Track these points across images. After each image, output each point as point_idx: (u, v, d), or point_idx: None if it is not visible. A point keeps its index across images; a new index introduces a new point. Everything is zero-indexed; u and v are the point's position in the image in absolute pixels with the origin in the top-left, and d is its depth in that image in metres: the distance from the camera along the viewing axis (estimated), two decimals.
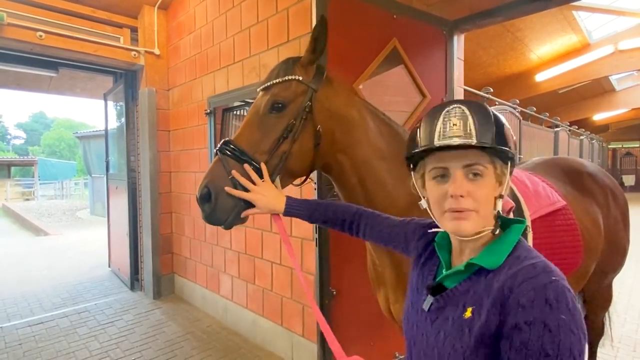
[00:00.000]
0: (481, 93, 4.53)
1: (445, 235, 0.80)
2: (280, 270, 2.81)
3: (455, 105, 0.70)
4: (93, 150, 13.18)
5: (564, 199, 1.62)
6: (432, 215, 0.76)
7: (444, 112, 0.70)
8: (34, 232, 9.79)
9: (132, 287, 4.46)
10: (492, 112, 0.70)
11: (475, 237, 0.69)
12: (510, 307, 0.60)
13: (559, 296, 0.58)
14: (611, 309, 2.17)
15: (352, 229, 1.13)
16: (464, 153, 0.68)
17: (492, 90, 4.67)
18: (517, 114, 5.47)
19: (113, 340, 3.19)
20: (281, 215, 1.17)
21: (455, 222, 0.68)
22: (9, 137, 46.95)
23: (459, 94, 2.86)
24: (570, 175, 1.85)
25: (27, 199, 20.21)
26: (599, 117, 14.45)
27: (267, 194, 1.12)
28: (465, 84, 3.29)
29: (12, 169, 26.41)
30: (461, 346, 0.65)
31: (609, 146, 19.28)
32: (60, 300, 4.20)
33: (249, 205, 1.14)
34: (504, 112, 5.04)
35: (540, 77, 8.94)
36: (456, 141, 0.66)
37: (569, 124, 9.75)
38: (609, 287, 2.06)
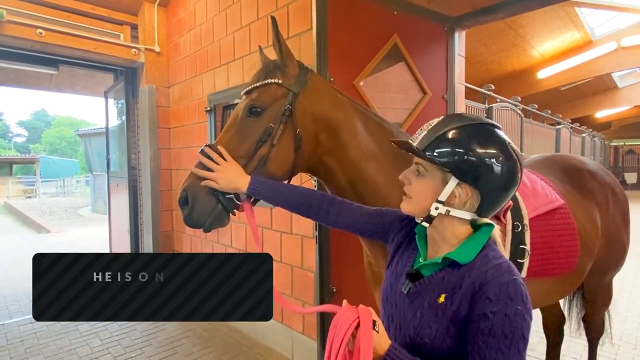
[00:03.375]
0: (482, 90, 4.51)
1: (423, 228, 0.91)
2: (280, 268, 2.81)
3: (436, 120, 0.85)
4: (94, 147, 13.22)
5: (562, 198, 1.60)
6: None
7: (431, 121, 0.86)
8: (35, 229, 9.83)
9: None
10: (451, 131, 0.81)
11: (421, 223, 0.86)
12: (479, 299, 0.75)
13: (517, 291, 0.74)
14: (611, 307, 2.16)
15: (320, 214, 1.12)
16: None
17: (493, 87, 4.66)
18: (519, 111, 5.46)
19: (114, 337, 3.20)
20: (250, 204, 1.18)
21: (401, 202, 0.89)
22: (10, 135, 47.05)
23: (459, 91, 2.85)
24: (569, 173, 1.83)
25: (29, 197, 20.29)
26: (601, 114, 14.39)
27: (229, 172, 1.12)
28: (466, 81, 3.27)
29: (14, 166, 26.49)
30: (435, 325, 0.80)
31: (611, 144, 19.19)
32: None
33: (230, 205, 1.15)
34: (505, 110, 5.03)
35: (542, 74, 8.90)
36: (404, 139, 0.87)
37: (570, 121, 9.71)
38: (609, 285, 2.05)
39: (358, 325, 0.75)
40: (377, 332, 0.76)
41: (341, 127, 1.28)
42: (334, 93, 1.33)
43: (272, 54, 1.34)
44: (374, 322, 0.76)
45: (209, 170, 1.13)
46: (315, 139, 1.25)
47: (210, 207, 1.13)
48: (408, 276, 0.90)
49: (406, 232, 1.00)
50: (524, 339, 0.73)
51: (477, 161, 0.78)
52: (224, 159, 1.14)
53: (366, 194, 1.32)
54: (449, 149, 0.79)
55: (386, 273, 1.00)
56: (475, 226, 0.86)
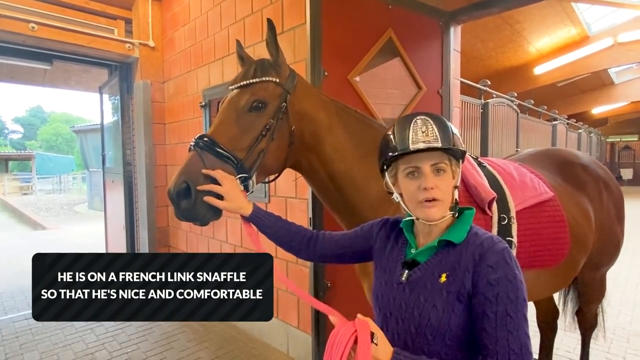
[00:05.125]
0: (478, 86, 4.50)
1: (409, 223, 0.96)
2: (276, 263, 2.79)
3: (420, 117, 0.89)
4: (90, 144, 13.15)
5: (553, 191, 1.61)
6: (404, 206, 0.91)
7: (412, 122, 0.88)
8: (31, 226, 9.80)
9: None
10: (447, 121, 0.90)
11: (440, 221, 0.87)
12: (481, 269, 0.80)
13: (511, 257, 0.81)
14: (605, 301, 2.17)
15: (309, 246, 1.16)
16: (431, 154, 0.86)
17: (489, 82, 4.65)
18: (515, 106, 5.45)
19: (109, 332, 3.20)
20: (249, 223, 1.19)
21: (427, 210, 0.86)
22: (6, 131, 46.71)
23: (455, 86, 2.84)
24: (562, 167, 1.83)
25: (25, 194, 20.18)
26: (597, 110, 14.44)
27: (238, 192, 1.14)
28: (463, 77, 3.27)
29: (10, 163, 26.32)
30: (440, 304, 0.82)
31: (608, 140, 19.26)
32: None
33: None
34: (501, 105, 5.02)
35: (538, 70, 8.91)
36: (427, 145, 0.85)
37: (567, 117, 9.72)
38: (603, 279, 2.05)
39: (357, 340, 0.75)
40: (376, 344, 0.75)
41: (322, 126, 1.37)
42: (318, 94, 1.44)
43: (266, 49, 1.35)
44: (372, 335, 0.76)
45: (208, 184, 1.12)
46: (301, 136, 1.32)
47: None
48: (404, 266, 0.92)
49: (386, 231, 1.03)
50: (525, 302, 0.78)
51: (461, 141, 0.92)
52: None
53: (345, 187, 1.41)
54: (458, 138, 0.90)
55: (375, 273, 1.01)
56: (457, 211, 0.92)
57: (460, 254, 0.84)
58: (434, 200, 0.85)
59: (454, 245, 0.86)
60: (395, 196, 0.93)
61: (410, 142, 0.86)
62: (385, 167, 0.95)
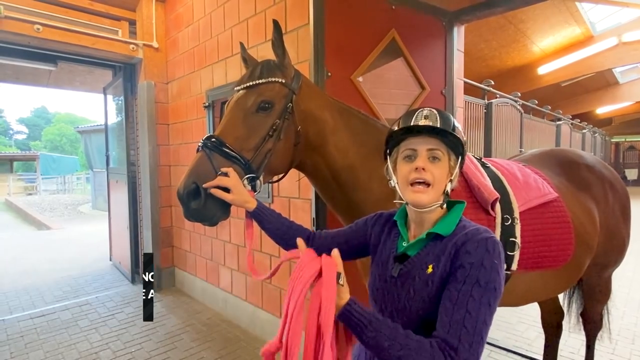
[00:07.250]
0: (482, 86, 4.49)
1: (403, 214, 0.99)
2: (278, 262, 2.81)
3: (427, 108, 0.93)
4: (94, 144, 13.20)
5: (557, 191, 1.60)
6: (398, 190, 0.93)
7: (419, 110, 0.93)
8: (36, 226, 9.84)
9: (133, 281, 4.48)
10: (452, 117, 0.93)
11: (428, 208, 0.88)
12: (459, 254, 0.81)
13: (495, 247, 0.80)
14: (610, 302, 2.15)
15: (307, 244, 1.14)
16: (429, 139, 0.89)
17: (493, 82, 4.63)
18: (519, 107, 5.43)
19: (114, 332, 3.22)
20: (252, 220, 1.20)
21: (415, 194, 0.88)
22: (11, 132, 46.99)
23: (458, 87, 2.84)
24: (566, 167, 1.82)
25: (30, 194, 20.30)
26: (602, 110, 14.33)
27: (243, 186, 1.15)
28: (466, 77, 3.26)
29: (15, 163, 26.49)
30: (427, 295, 0.84)
31: (612, 140, 19.13)
32: (61, 293, 4.23)
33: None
34: (505, 105, 5.01)
35: (542, 69, 8.85)
36: (426, 123, 0.88)
37: (571, 117, 9.66)
38: (608, 280, 2.03)
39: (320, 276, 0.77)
40: (342, 285, 0.78)
41: (327, 126, 1.38)
42: (322, 95, 1.45)
43: (269, 50, 1.36)
44: (339, 275, 0.78)
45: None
46: (306, 136, 1.33)
47: (221, 200, 1.14)
48: (396, 259, 0.94)
49: (381, 226, 1.05)
50: (495, 292, 0.77)
51: (464, 141, 0.94)
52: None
53: (349, 186, 1.42)
54: (460, 129, 0.92)
55: (371, 268, 1.03)
56: (448, 205, 0.93)
57: (446, 245, 0.86)
58: (424, 184, 0.87)
59: (442, 237, 0.88)
60: (392, 181, 0.95)
61: (412, 122, 0.91)
62: (388, 153, 0.98)
